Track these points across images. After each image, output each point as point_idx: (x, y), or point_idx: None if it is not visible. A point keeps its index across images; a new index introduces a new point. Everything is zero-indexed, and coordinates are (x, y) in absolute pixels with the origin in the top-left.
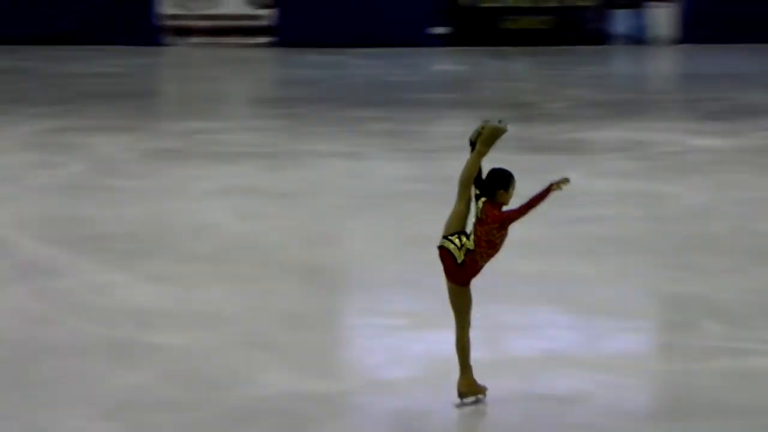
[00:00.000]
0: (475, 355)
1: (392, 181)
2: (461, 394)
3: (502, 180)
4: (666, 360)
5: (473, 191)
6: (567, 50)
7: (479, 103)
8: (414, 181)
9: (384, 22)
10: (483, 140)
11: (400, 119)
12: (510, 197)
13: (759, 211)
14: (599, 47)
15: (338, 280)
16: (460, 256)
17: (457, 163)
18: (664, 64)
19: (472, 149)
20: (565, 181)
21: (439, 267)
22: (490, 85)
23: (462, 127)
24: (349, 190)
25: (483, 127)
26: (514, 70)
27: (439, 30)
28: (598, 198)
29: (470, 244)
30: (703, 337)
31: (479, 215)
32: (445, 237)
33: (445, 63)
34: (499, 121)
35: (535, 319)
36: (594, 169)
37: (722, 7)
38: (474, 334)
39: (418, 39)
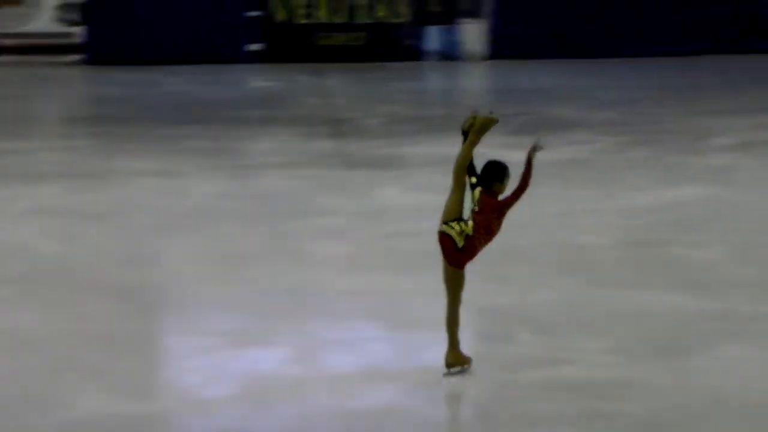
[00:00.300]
0: (293, 371)
1: (208, 199)
2: (448, 365)
3: (498, 172)
4: (482, 371)
5: (468, 181)
6: (381, 66)
7: (295, 119)
8: (230, 199)
9: (198, 39)
10: (475, 130)
11: (215, 136)
12: (505, 188)
13: (568, 223)
14: (413, 63)
15: (154, 301)
16: (460, 242)
17: (274, 180)
18: (475, 79)
19: (464, 139)
20: (538, 146)
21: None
22: (306, 101)
23: (278, 144)
24: (164, 209)
25: (474, 118)
26: (330, 86)
27: (255, 47)
28: (412, 213)
29: (469, 230)
30: (517, 348)
31: (476, 205)
32: (445, 223)
33: (260, 79)
34: (491, 112)
35: (353, 334)
36: (409, 184)
37: (530, 23)
38: (291, 351)
39: (234, 55)
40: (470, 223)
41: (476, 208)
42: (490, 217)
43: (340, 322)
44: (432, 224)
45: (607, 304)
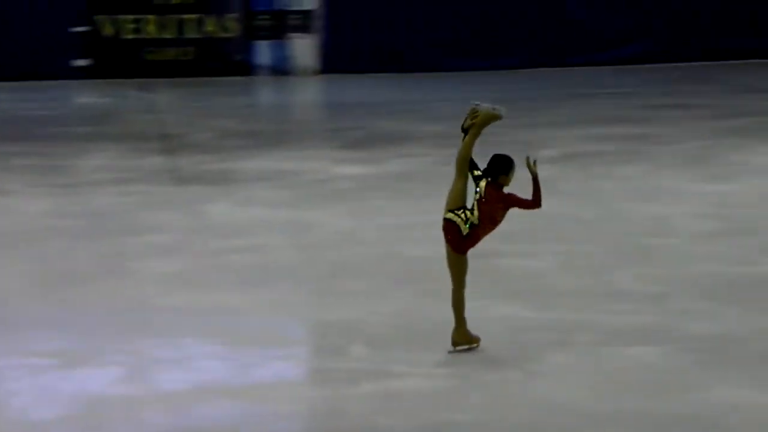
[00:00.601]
0: (124, 391)
1: (36, 217)
2: (454, 343)
3: (504, 165)
4: (317, 386)
5: (471, 173)
6: (211, 81)
7: (125, 135)
8: (59, 217)
9: (23, 55)
10: (479, 123)
11: (43, 153)
12: (510, 180)
13: (400, 235)
14: (243, 78)
15: None
16: (465, 229)
17: (104, 197)
18: (306, 94)
19: (464, 137)
20: (533, 163)
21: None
22: (135, 117)
23: (108, 160)
24: None
25: (476, 111)
26: (159, 101)
27: (81, 62)
28: (245, 228)
29: (474, 219)
30: (352, 361)
31: (482, 195)
32: (450, 211)
33: (88, 95)
34: (494, 108)
35: (186, 351)
36: (240, 199)
37: (360, 38)
38: (122, 371)
39: (60, 71)
40: (476, 212)
41: (483, 199)
42: (495, 208)
43: (172, 339)
44: (264, 239)
45: (440, 316)
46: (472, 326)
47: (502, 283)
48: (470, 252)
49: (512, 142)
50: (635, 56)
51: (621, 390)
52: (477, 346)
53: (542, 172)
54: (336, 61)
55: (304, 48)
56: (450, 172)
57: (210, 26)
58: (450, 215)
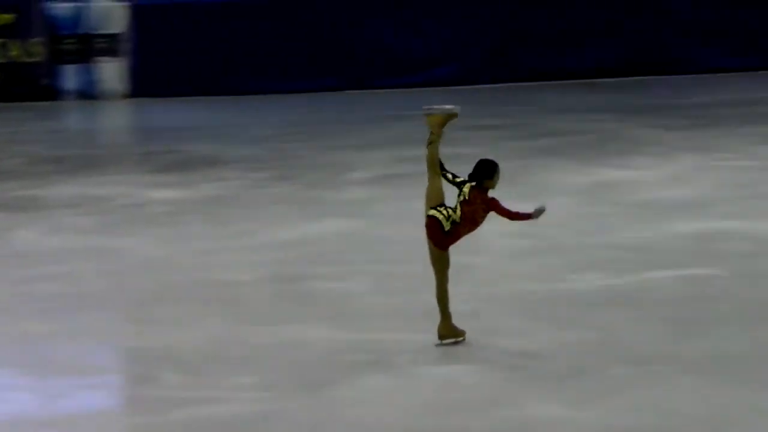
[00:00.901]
0: None
1: None
2: (441, 336)
3: (488, 170)
4: (129, 414)
5: (454, 182)
6: (17, 106)
7: None
8: None
9: None
10: (439, 124)
11: None
12: (494, 183)
13: (212, 260)
14: (51, 103)
15: None
16: (447, 226)
17: None
18: (116, 118)
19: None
20: (541, 211)
21: None
22: None
23: None
24: None
25: (431, 116)
26: None
27: None
28: (54, 255)
29: (456, 217)
30: (164, 388)
31: (466, 197)
32: (432, 208)
33: None
34: (449, 108)
35: None
36: (49, 225)
37: (170, 62)
38: None
39: None
40: (458, 211)
41: (466, 200)
42: (477, 209)
43: None
44: (73, 266)
45: (253, 340)
46: (287, 350)
47: (316, 306)
48: (283, 275)
49: (326, 166)
50: (445, 78)
51: (435, 409)
52: (463, 340)
53: (355, 194)
54: (146, 84)
55: (111, 72)
56: (267, 193)
57: (14, 51)
58: (432, 212)
